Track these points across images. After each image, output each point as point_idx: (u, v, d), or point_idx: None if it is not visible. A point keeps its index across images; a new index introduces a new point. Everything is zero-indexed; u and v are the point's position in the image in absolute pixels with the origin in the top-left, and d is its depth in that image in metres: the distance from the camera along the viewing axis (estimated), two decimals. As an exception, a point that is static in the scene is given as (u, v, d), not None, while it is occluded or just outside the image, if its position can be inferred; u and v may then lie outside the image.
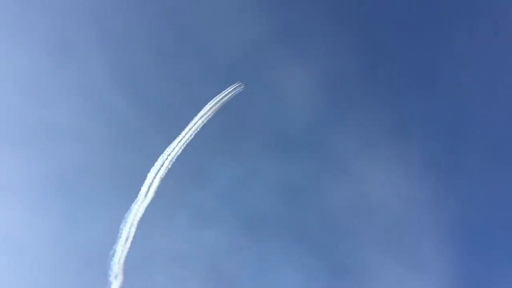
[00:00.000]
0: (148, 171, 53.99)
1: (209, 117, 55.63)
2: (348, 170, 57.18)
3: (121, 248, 53.75)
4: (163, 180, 53.78)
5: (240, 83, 56.03)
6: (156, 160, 53.62)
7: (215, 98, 56.19)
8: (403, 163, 56.15)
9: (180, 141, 54.08)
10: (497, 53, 55.50)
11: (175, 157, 53.73)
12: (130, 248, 54.60)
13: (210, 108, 55.55)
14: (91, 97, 58.69)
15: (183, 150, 54.04)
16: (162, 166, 53.29)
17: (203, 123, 55.16)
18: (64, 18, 59.41)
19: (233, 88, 56.80)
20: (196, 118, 54.99)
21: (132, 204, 53.91)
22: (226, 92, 56.30)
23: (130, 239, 53.91)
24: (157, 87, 59.81)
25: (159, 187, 54.05)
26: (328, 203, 56.41)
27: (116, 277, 53.45)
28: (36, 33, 59.07)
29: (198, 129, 55.09)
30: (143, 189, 53.87)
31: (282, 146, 58.67)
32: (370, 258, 54.82)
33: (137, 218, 53.96)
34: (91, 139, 59.59)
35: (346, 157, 57.22)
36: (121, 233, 53.96)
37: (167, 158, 53.28)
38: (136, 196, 54.96)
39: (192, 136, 54.83)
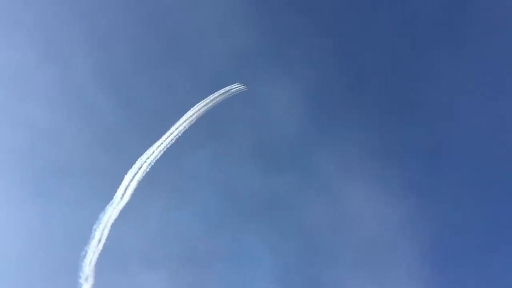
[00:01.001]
0: (126, 173, 53.65)
1: (192, 122, 55.62)
2: (327, 186, 57.71)
3: (93, 250, 52.99)
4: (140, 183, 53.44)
5: (242, 84, 56.35)
6: (134, 162, 53.30)
7: (199, 104, 56.27)
8: (381, 183, 56.98)
9: (160, 145, 53.89)
10: (478, 79, 56.87)
11: (153, 161, 53.47)
12: (102, 250, 53.84)
13: (193, 114, 55.57)
14: (73, 96, 58.39)
15: (162, 155, 53.86)
16: (140, 169, 52.97)
17: (184, 128, 55.11)
18: (52, 15, 59.21)
19: (234, 87, 57.08)
20: (178, 123, 54.93)
21: (107, 206, 53.35)
22: (223, 92, 56.40)
23: (103, 241, 53.19)
24: (141, 90, 59.86)
25: (135, 190, 53.65)
26: (305, 216, 56.76)
27: (86, 279, 52.63)
28: (22, 29, 58.73)
29: (179, 135, 55.01)
30: (119, 191, 53.42)
31: (263, 156, 58.98)
32: (343, 274, 55.06)
33: (111, 220, 53.38)
34: (71, 138, 59.08)
35: (326, 172, 57.83)
36: (94, 234, 53.26)
37: (145, 161, 52.99)
38: (112, 198, 54.46)
39: (173, 141, 54.71)
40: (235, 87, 57.75)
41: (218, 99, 56.35)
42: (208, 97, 56.12)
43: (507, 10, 56.39)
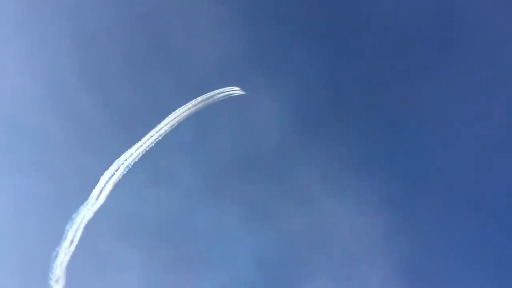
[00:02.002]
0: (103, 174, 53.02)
1: (173, 127, 55.33)
2: (305, 197, 57.85)
3: (65, 251, 52.04)
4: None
5: (239, 88, 56.38)
6: (111, 163, 52.71)
7: (181, 108, 56.06)
8: (360, 198, 57.38)
9: (139, 147, 53.44)
10: (461, 99, 57.84)
11: (131, 163, 52.94)
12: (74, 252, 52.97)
13: (175, 118, 55.31)
14: (55, 94, 57.78)
15: (140, 158, 53.40)
16: (117, 170, 52.38)
17: (165, 132, 54.78)
18: (37, 12, 58.87)
19: (229, 90, 57.03)
20: (158, 127, 54.60)
21: (81, 206, 52.56)
22: (217, 92, 56.30)
23: (75, 242, 52.30)
24: (124, 91, 59.41)
25: (111, 192, 52.97)
26: (283, 227, 56.69)
27: (57, 281, 51.62)
28: (7, 26, 58.31)
29: (160, 138, 54.63)
30: (95, 192, 52.71)
31: (243, 165, 58.84)
32: (317, 287, 54.95)
33: (85, 222, 52.56)
34: (49, 136, 58.32)
35: (305, 185, 58.05)
36: (66, 235, 52.37)
37: (123, 163, 52.43)
38: (87, 198, 53.72)
39: (153, 144, 54.28)
40: (230, 90, 57.74)
41: (200, 104, 56.23)
42: (191, 102, 55.98)
43: (495, 31, 57.65)
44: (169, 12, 61.69)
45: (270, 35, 60.81)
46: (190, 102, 55.41)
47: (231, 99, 58.75)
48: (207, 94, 56.29)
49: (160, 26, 60.87)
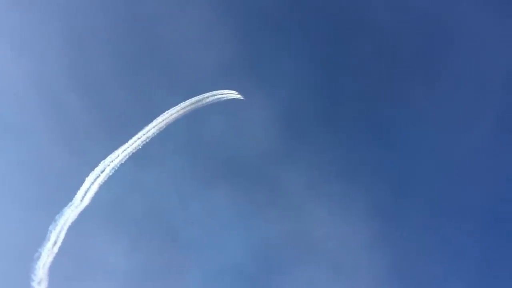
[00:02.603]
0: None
1: (161, 129, 54.96)
2: (292, 203, 57.96)
3: (48, 252, 51.36)
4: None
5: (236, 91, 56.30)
6: (97, 165, 52.18)
7: (171, 110, 55.77)
8: (346, 205, 57.65)
9: (126, 149, 52.99)
10: (449, 110, 58.51)
11: (118, 165, 52.47)
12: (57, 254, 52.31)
13: (163, 120, 54.97)
14: (42, 92, 57.30)
15: (127, 160, 52.94)
16: (102, 172, 51.87)
17: (153, 134, 54.42)
18: (28, 12, 58.45)
19: (225, 93, 56.86)
20: (146, 128, 54.20)
21: (65, 207, 51.96)
22: (214, 94, 56.04)
23: (58, 243, 51.63)
24: (114, 93, 59.07)
25: (96, 194, 52.44)
26: (267, 233, 56.65)
27: (39, 282, 50.89)
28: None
29: (148, 140, 54.24)
30: (79, 193, 52.14)
31: (229, 169, 58.75)
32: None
33: (68, 223, 51.95)
34: (36, 135, 57.81)
35: (292, 190, 58.18)
36: (49, 236, 51.73)
37: (109, 165, 51.93)
38: (71, 199, 53.15)
39: (140, 146, 53.87)
40: (226, 93, 57.57)
41: (190, 107, 55.97)
42: (180, 104, 55.70)
43: (486, 39, 58.35)
44: (163, 15, 61.67)
45: (261, 41, 61.16)
46: (179, 104, 55.14)
47: (220, 103, 58.64)
48: (196, 97, 56.08)
49: (153, 28, 60.83)
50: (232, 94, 58.44)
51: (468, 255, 55.19)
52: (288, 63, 60.87)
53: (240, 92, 57.92)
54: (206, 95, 56.24)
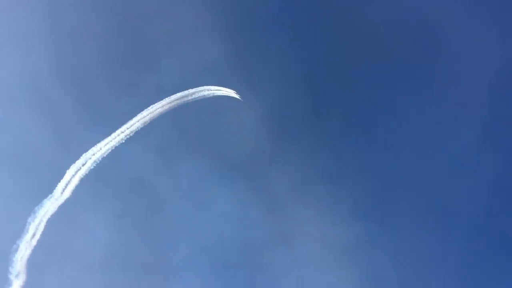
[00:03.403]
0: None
1: (145, 123, 54.47)
2: (276, 203, 57.89)
3: (26, 245, 50.77)
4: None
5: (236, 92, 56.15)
6: (79, 157, 51.60)
7: (156, 104, 55.25)
8: (331, 207, 57.85)
9: (108, 143, 52.43)
10: (434, 115, 59.05)
11: (99, 158, 51.91)
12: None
13: (148, 114, 54.46)
14: (26, 84, 56.66)
15: (109, 153, 52.42)
16: (84, 165, 51.29)
17: (137, 128, 53.89)
18: (16, 5, 57.86)
19: (226, 90, 56.56)
20: (130, 122, 53.66)
21: (45, 199, 51.35)
22: (192, 93, 55.62)
23: (37, 236, 51.05)
24: (100, 87, 58.45)
25: (77, 187, 51.89)
26: (250, 231, 56.60)
27: (17, 275, 50.33)
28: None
29: (131, 134, 53.70)
30: (60, 185, 51.56)
31: (217, 168, 58.52)
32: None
33: (48, 215, 51.35)
34: (19, 126, 57.13)
35: (278, 190, 58.16)
36: (28, 229, 51.12)
37: (90, 158, 51.35)
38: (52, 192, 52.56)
39: (123, 140, 53.33)
40: (225, 90, 57.19)
41: (175, 102, 55.49)
42: (165, 99, 55.21)
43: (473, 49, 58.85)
44: (154, 11, 61.25)
45: (251, 42, 61.08)
46: (164, 99, 54.65)
47: (211, 99, 58.28)
48: (182, 92, 55.62)
49: (140, 25, 60.37)
50: (229, 92, 58.10)
51: (451, 256, 55.70)
52: (279, 64, 61.13)
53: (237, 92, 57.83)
54: (191, 90, 55.81)
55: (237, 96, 58.36)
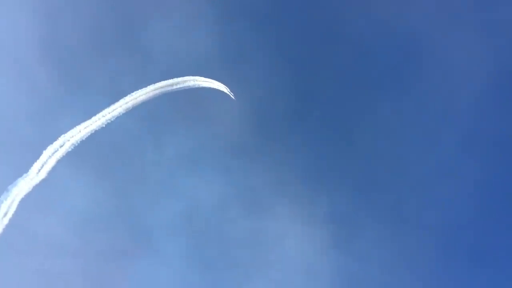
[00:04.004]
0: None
1: (128, 109, 53.76)
2: (254, 201, 57.93)
3: (-3, 224, 49.93)
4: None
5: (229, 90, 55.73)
6: (56, 139, 50.71)
7: (139, 91, 54.50)
8: (308, 207, 58.02)
9: (88, 126, 51.61)
10: (415, 122, 59.55)
11: (78, 141, 51.09)
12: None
13: (130, 100, 53.71)
14: (9, 61, 55.45)
15: (88, 137, 51.62)
16: (61, 147, 50.46)
17: (119, 114, 53.15)
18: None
19: (218, 84, 55.93)
20: (112, 107, 52.88)
21: (20, 178, 50.46)
22: (177, 82, 54.89)
23: (9, 215, 50.19)
24: (85, 69, 57.50)
25: (53, 168, 51.08)
26: (227, 228, 56.53)
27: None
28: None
29: (112, 120, 52.98)
30: (36, 165, 50.70)
31: (197, 161, 58.18)
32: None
33: (21, 195, 50.49)
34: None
35: (256, 188, 58.15)
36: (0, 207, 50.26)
37: (69, 140, 50.53)
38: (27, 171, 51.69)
39: (103, 125, 52.55)
40: (218, 84, 56.61)
41: (159, 90, 54.80)
42: (149, 86, 54.48)
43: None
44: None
45: (242, 39, 60.70)
46: (148, 87, 53.93)
47: (191, 91, 57.72)
48: (167, 81, 54.95)
49: (131, 11, 59.46)
50: (220, 86, 57.57)
51: (417, 262, 56.42)
52: (269, 64, 61.04)
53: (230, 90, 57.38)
54: (177, 80, 55.19)
55: (230, 94, 57.97)
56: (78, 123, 51.61)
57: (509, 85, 58.92)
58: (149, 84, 54.64)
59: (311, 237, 56.61)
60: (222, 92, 58.53)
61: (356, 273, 56.20)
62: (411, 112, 59.80)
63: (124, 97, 53.36)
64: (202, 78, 57.60)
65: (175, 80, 55.06)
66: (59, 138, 50.37)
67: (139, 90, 53.76)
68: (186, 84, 56.18)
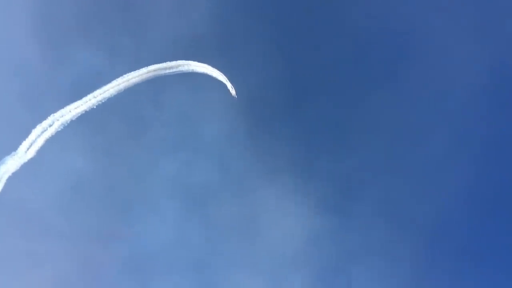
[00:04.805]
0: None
1: (120, 91, 53.20)
2: (244, 188, 57.81)
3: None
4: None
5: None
6: (46, 118, 50.21)
7: (132, 73, 53.86)
8: (296, 197, 58.07)
9: (79, 106, 51.11)
10: (408, 115, 59.58)
11: (68, 121, 50.64)
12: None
13: (123, 82, 53.12)
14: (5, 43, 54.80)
15: (79, 117, 51.14)
16: (50, 126, 49.97)
17: (110, 95, 52.60)
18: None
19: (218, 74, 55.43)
20: (104, 88, 52.30)
21: (7, 156, 50.07)
22: (170, 66, 54.30)
23: (-4, 192, 49.85)
24: (77, 49, 56.57)
25: (42, 148, 50.68)
26: (217, 216, 56.47)
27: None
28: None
29: (104, 101, 52.46)
30: (25, 144, 50.28)
31: (187, 148, 57.84)
32: (240, 277, 55.18)
33: (8, 174, 50.13)
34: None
35: (246, 175, 58.05)
36: (-14, 184, 49.92)
37: (58, 120, 50.05)
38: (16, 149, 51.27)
39: (94, 106, 52.05)
40: (220, 75, 55.93)
41: (152, 73, 54.18)
42: (142, 69, 53.87)
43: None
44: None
45: (239, 24, 59.96)
46: (142, 69, 53.31)
47: (184, 79, 57.16)
48: (160, 64, 54.29)
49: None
50: (223, 79, 56.83)
51: (402, 256, 56.81)
52: (265, 51, 60.41)
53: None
54: (170, 63, 54.53)
55: (231, 90, 57.37)
56: (69, 103, 51.14)
57: (506, 82, 58.78)
58: (143, 67, 54.06)
59: (298, 227, 56.92)
60: (221, 82, 57.88)
61: (344, 263, 56.52)
62: (405, 107, 59.77)
63: (117, 79, 52.80)
64: (201, 64, 56.91)
65: (169, 63, 54.43)
66: (48, 118, 49.92)
67: (132, 72, 53.18)
68: (180, 69, 55.55)
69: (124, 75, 52.82)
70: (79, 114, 51.07)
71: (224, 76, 57.55)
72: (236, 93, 57.25)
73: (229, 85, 57.56)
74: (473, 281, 54.22)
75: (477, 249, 55.32)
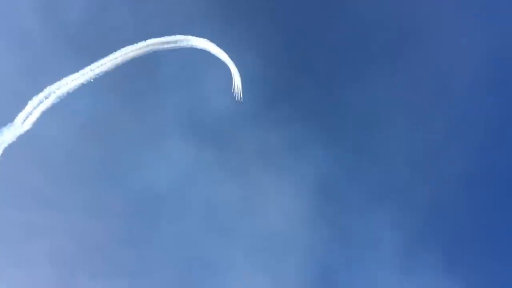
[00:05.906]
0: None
1: (117, 65, 52.95)
2: (242, 168, 57.82)
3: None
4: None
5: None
6: (42, 89, 50.31)
7: (131, 46, 53.47)
8: (295, 178, 58.13)
9: (76, 79, 51.04)
10: (405, 108, 59.39)
11: (64, 94, 50.65)
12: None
13: (121, 55, 52.81)
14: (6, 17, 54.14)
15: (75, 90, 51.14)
16: (46, 98, 50.05)
17: (108, 68, 52.41)
18: None
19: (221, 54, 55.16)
20: (101, 61, 52.08)
21: (4, 127, 50.35)
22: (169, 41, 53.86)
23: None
24: (75, 21, 55.70)
25: (38, 120, 50.88)
26: (212, 195, 56.70)
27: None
28: None
29: (101, 74, 52.29)
30: (21, 116, 50.47)
31: (190, 127, 57.61)
32: (234, 257, 55.76)
33: (5, 145, 50.47)
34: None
35: (244, 156, 57.94)
36: (-18, 154, 50.47)
37: (54, 92, 50.08)
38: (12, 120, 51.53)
39: (91, 79, 51.93)
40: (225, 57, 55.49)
41: (151, 47, 53.74)
42: (142, 42, 53.42)
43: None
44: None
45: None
46: (139, 43, 52.91)
47: (189, 50, 56.62)
48: (159, 38, 53.80)
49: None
50: (227, 60, 56.31)
51: (395, 244, 57.04)
52: (263, 31, 59.19)
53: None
54: (169, 38, 54.02)
55: (237, 87, 57.02)
56: (65, 76, 51.07)
57: (506, 73, 58.07)
58: (141, 41, 53.66)
59: (295, 208, 57.08)
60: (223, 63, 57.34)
61: (339, 244, 56.91)
62: (405, 90, 59.11)
63: (114, 52, 52.50)
64: (202, 40, 56.31)
65: (168, 38, 53.94)
66: (44, 90, 49.96)
67: (130, 46, 52.81)
68: (179, 44, 55.05)
69: (122, 49, 52.52)
70: (76, 87, 51.04)
71: (231, 61, 57.06)
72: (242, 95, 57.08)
73: (237, 77, 57.00)
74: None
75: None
